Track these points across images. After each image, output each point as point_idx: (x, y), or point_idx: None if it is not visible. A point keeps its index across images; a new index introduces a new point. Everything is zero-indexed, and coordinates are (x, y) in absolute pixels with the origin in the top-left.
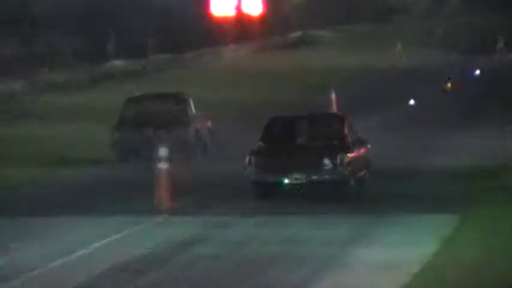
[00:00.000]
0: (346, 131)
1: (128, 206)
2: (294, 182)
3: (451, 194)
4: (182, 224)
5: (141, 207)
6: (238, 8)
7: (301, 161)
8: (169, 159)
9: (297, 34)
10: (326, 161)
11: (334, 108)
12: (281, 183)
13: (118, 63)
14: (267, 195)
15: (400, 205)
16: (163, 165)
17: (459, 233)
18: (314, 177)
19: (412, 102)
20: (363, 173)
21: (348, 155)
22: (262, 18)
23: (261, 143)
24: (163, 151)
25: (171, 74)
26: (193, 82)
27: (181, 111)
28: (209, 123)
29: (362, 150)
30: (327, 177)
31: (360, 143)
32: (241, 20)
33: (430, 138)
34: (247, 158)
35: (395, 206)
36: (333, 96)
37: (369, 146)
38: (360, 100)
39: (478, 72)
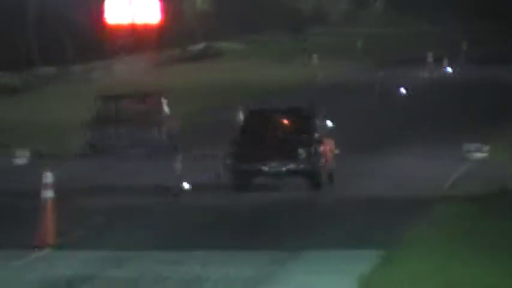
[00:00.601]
0: (318, 122)
1: (11, 237)
2: (272, 170)
3: (380, 228)
4: (66, 260)
5: (24, 239)
6: (134, 16)
7: (278, 151)
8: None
9: (200, 46)
10: (301, 151)
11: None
12: (260, 172)
13: None
14: (248, 187)
15: (323, 239)
16: (48, 194)
17: (379, 273)
18: (291, 166)
19: (329, 123)
20: (332, 165)
21: (320, 147)
22: (161, 28)
23: (239, 135)
24: (49, 177)
25: (54, 89)
26: (77, 99)
27: (155, 111)
28: (178, 124)
29: (330, 143)
30: (301, 166)
31: (328, 135)
32: (137, 30)
33: (359, 162)
34: (229, 149)
35: (317, 240)
36: (241, 116)
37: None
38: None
39: (403, 90)
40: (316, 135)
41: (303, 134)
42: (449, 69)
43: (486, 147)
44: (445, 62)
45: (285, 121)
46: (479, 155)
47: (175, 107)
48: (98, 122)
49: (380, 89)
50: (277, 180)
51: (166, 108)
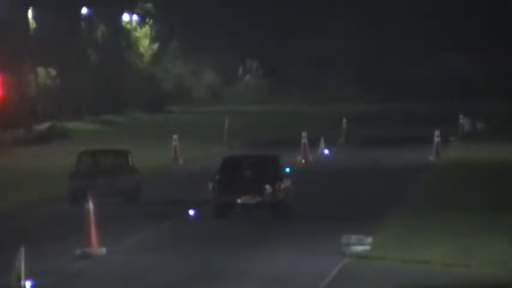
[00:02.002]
0: (280, 167)
1: None
2: (245, 202)
3: None
4: None
5: None
6: None
7: (249, 187)
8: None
9: (45, 125)
10: (267, 187)
11: (91, 222)
12: (236, 204)
13: None
14: (226, 215)
15: None
16: None
17: None
18: (259, 199)
19: (192, 212)
20: (290, 198)
21: (282, 183)
22: (2, 105)
23: (218, 175)
24: None
25: None
26: None
27: (123, 164)
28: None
29: (288, 182)
30: (267, 199)
31: (286, 177)
32: None
33: (225, 261)
34: (210, 187)
35: None
36: (91, 206)
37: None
38: (121, 213)
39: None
40: (279, 176)
41: (268, 174)
42: (326, 151)
43: (368, 239)
44: (322, 142)
45: (253, 164)
46: (360, 248)
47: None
48: (79, 173)
49: None
50: (248, 210)
51: (131, 162)
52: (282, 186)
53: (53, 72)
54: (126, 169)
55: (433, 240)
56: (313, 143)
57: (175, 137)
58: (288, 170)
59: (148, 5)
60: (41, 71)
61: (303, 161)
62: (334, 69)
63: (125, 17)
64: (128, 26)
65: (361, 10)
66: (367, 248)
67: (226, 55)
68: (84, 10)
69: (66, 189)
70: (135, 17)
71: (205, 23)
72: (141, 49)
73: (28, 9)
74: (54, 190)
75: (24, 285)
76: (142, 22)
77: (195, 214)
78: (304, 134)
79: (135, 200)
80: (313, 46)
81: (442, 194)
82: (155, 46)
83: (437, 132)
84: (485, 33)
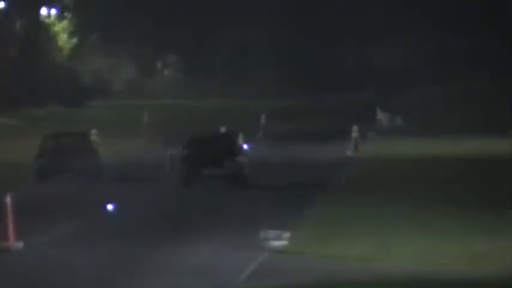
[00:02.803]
0: (237, 143)
1: None
2: (209, 173)
3: None
4: None
5: None
6: None
7: (212, 160)
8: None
9: None
10: (227, 160)
11: (8, 217)
12: (200, 174)
13: None
14: (190, 183)
15: None
16: None
17: None
18: (220, 170)
19: (110, 207)
20: (247, 171)
21: (240, 158)
22: None
23: (186, 150)
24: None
25: None
26: None
27: (88, 145)
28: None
29: (245, 157)
30: (228, 171)
31: (244, 153)
32: None
33: (146, 254)
34: (179, 159)
35: None
36: (8, 200)
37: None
38: (36, 208)
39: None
40: (237, 151)
41: (228, 149)
42: (245, 146)
43: (286, 234)
44: (240, 137)
45: (215, 141)
46: (278, 243)
47: None
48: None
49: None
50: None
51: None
52: (240, 160)
53: None
54: (88, 150)
55: (351, 236)
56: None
57: (94, 131)
58: (245, 146)
59: None
60: None
61: None
62: (255, 61)
63: (43, 10)
64: (46, 19)
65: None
66: (285, 243)
67: (146, 49)
68: (2, 4)
69: (32, 169)
70: (53, 11)
71: (124, 16)
72: (60, 43)
73: None
74: None
75: None
76: (60, 16)
77: (114, 208)
78: (222, 128)
79: (98, 178)
80: (234, 38)
81: (360, 189)
82: (74, 40)
83: (355, 127)
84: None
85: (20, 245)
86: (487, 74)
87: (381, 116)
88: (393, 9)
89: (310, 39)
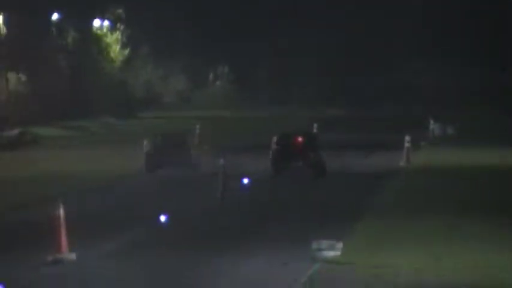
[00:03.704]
0: (316, 141)
1: None
2: (295, 164)
3: None
4: None
5: None
6: None
7: (297, 154)
8: None
9: (15, 131)
10: (310, 153)
11: (61, 231)
12: (288, 166)
13: None
14: (280, 173)
15: None
16: None
17: None
18: (304, 162)
19: (163, 218)
20: (324, 163)
21: (319, 152)
22: None
23: (276, 146)
24: None
25: None
26: None
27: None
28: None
29: (321, 153)
30: (310, 162)
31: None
32: None
33: (197, 265)
34: (271, 153)
35: None
36: (61, 211)
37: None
38: (96, 217)
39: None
40: (317, 146)
41: (310, 145)
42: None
43: (339, 245)
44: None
45: (300, 138)
46: (331, 253)
47: None
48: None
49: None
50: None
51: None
52: (319, 154)
53: (23, 77)
54: (185, 147)
55: (403, 246)
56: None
57: (146, 142)
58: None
59: (119, 11)
60: (11, 76)
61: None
62: (304, 77)
63: (96, 22)
64: (99, 31)
65: (328, 24)
66: (338, 253)
67: (197, 60)
68: (55, 16)
69: (143, 163)
70: (106, 23)
71: (176, 28)
72: (112, 55)
73: None
74: (23, 197)
75: None
76: (113, 27)
77: (166, 219)
78: (274, 139)
79: (190, 169)
80: (284, 53)
81: (412, 199)
82: (126, 52)
83: (407, 138)
84: (452, 42)
85: (73, 256)
86: None
87: (433, 125)
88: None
89: (359, 49)
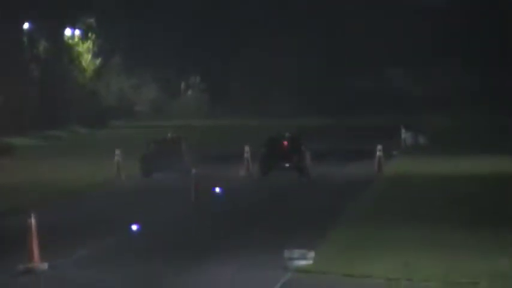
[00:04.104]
0: (301, 144)
1: None
2: (282, 165)
3: None
4: None
5: None
6: None
7: (284, 156)
8: None
9: None
10: (295, 156)
11: (33, 238)
12: (275, 167)
13: None
14: (268, 174)
15: None
16: None
17: None
18: (290, 164)
19: (135, 227)
20: (309, 166)
21: (303, 154)
22: None
23: (264, 149)
24: None
25: None
26: None
27: (181, 147)
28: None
29: (307, 155)
30: (295, 164)
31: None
32: None
33: (167, 275)
34: (260, 155)
35: None
36: (33, 221)
37: None
38: (63, 228)
39: (217, 191)
40: (302, 148)
41: (295, 148)
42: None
43: (311, 254)
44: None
45: (286, 141)
46: (303, 262)
47: None
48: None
49: (195, 190)
50: (283, 171)
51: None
52: (303, 156)
53: None
54: (181, 152)
55: (376, 255)
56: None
57: (117, 152)
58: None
59: (91, 20)
60: None
61: (243, 173)
62: (278, 86)
63: (67, 31)
64: (70, 41)
65: (308, 27)
66: (310, 262)
67: (169, 70)
68: (26, 25)
69: (139, 167)
70: (77, 32)
71: (147, 37)
72: (83, 64)
73: None
74: None
75: None
76: (84, 37)
77: (138, 229)
78: (247, 148)
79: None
80: (258, 62)
81: (384, 208)
82: (97, 61)
83: (379, 147)
84: (428, 49)
85: (45, 265)
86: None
87: (405, 134)
88: (416, 35)
89: (331, 60)
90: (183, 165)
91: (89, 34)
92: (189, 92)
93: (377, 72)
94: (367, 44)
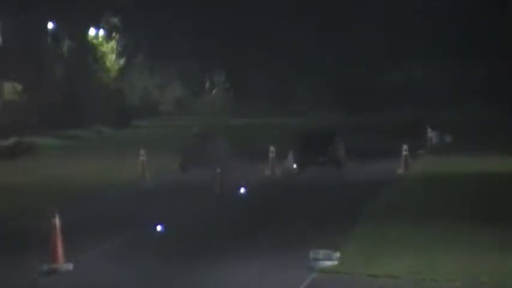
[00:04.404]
0: (335, 137)
1: None
2: (317, 160)
3: None
4: None
5: None
6: None
7: (318, 150)
8: None
9: (10, 140)
10: (330, 148)
11: (57, 238)
12: (311, 161)
13: None
14: (304, 167)
15: None
16: None
17: None
18: (325, 157)
19: (159, 228)
20: (344, 157)
21: (339, 147)
22: None
23: (298, 143)
24: None
25: None
26: None
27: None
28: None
29: (342, 147)
30: (330, 157)
31: (340, 143)
32: None
33: (191, 274)
34: (296, 149)
35: None
36: (57, 221)
37: None
38: (88, 224)
39: (242, 191)
40: (336, 142)
41: (329, 141)
42: (295, 165)
43: (336, 254)
44: (290, 155)
45: (322, 136)
46: (328, 263)
47: None
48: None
49: (220, 188)
50: (320, 164)
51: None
52: (338, 149)
53: (18, 87)
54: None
55: (401, 254)
56: (283, 156)
57: (142, 152)
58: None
59: (115, 20)
60: (7, 85)
61: (268, 173)
62: (299, 82)
63: (91, 31)
64: (94, 40)
65: (324, 22)
66: (335, 262)
67: (193, 68)
68: (50, 25)
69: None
70: (101, 32)
71: (171, 36)
72: (108, 64)
73: None
74: (19, 205)
75: None
76: (108, 37)
77: (162, 229)
78: (272, 148)
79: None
80: (277, 58)
81: (409, 207)
82: (121, 61)
83: (405, 146)
84: (451, 43)
85: (69, 266)
86: None
87: (431, 133)
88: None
89: (352, 57)
90: (222, 161)
91: (113, 34)
92: (214, 91)
93: (398, 67)
94: (386, 39)
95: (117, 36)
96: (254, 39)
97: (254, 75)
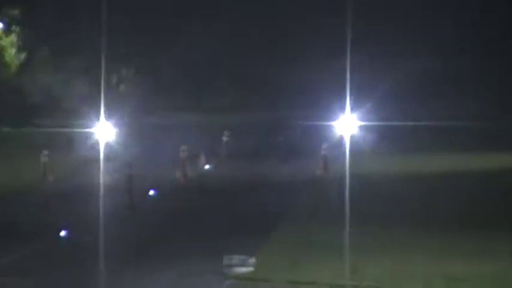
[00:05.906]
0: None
1: None
2: None
3: None
4: None
5: None
6: None
7: None
8: None
9: None
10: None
11: None
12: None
13: None
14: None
15: None
16: None
17: None
18: None
19: (63, 233)
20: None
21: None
22: None
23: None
24: None
25: None
26: None
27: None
28: None
29: None
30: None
31: None
32: None
33: (102, 282)
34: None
35: None
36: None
37: None
38: None
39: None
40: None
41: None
42: (207, 166)
43: (251, 260)
44: (202, 157)
45: None
46: (243, 269)
47: None
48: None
49: (130, 191)
50: None
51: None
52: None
53: None
54: None
55: (321, 259)
56: (195, 157)
57: (45, 152)
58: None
59: (15, 12)
60: None
61: (179, 175)
62: (211, 77)
63: None
64: None
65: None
66: (251, 269)
67: (100, 63)
68: None
69: None
70: None
71: (76, 30)
72: (7, 59)
73: None
74: None
75: None
76: (8, 30)
77: (66, 235)
78: (183, 147)
79: None
80: (188, 53)
81: (328, 209)
82: (22, 55)
83: (325, 145)
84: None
85: None
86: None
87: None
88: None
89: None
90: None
91: (13, 27)
92: (121, 87)
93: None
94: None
95: (17, 29)
96: (163, 31)
97: (164, 69)
